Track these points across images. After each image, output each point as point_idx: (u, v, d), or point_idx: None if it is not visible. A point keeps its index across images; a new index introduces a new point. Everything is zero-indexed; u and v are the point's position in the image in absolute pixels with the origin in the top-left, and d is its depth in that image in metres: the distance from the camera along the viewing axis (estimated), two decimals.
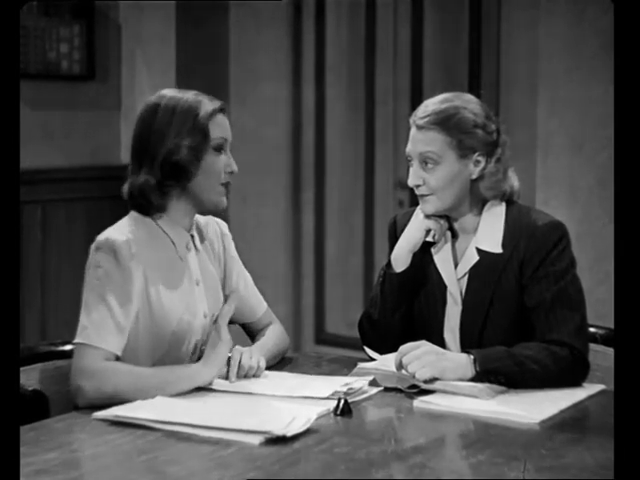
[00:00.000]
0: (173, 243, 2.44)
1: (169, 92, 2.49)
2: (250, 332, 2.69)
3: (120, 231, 2.39)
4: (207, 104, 2.45)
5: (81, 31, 5.03)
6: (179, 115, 2.42)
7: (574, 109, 4.51)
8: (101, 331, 2.29)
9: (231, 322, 2.65)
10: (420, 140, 2.49)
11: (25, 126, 4.46)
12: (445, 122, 2.47)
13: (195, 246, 2.50)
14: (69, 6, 4.98)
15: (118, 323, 2.31)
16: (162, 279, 2.40)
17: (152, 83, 5.21)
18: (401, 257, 2.56)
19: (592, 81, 4.50)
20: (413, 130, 2.51)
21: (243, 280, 2.65)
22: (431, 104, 2.51)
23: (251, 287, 2.68)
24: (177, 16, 5.27)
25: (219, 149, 2.44)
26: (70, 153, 5.07)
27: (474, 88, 4.63)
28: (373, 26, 5.21)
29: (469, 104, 2.51)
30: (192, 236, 2.49)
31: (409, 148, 2.52)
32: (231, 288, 2.60)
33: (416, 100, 4.96)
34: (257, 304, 2.69)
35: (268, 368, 2.50)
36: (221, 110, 2.47)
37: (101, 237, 2.38)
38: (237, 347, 2.43)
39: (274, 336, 2.65)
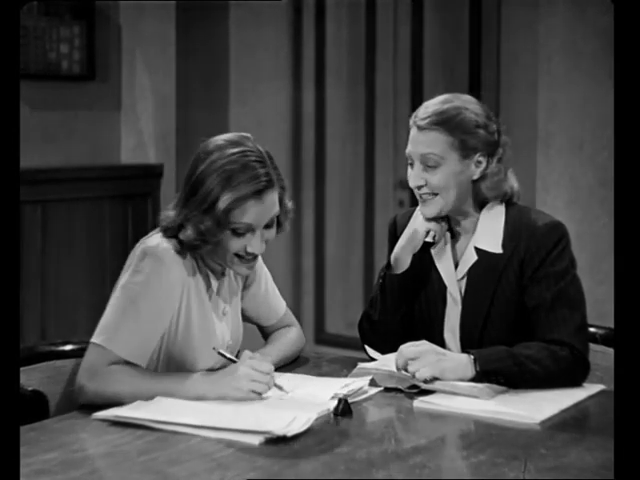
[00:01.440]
0: (208, 275, 2.40)
1: (219, 150, 2.30)
2: (266, 334, 2.66)
3: (167, 243, 2.32)
4: (238, 188, 2.26)
5: (81, 31, 5.03)
6: (200, 195, 2.28)
7: (574, 109, 4.51)
8: (121, 337, 2.26)
9: (248, 321, 2.64)
10: (421, 141, 2.48)
11: (25, 126, 4.46)
12: (447, 122, 2.46)
13: (230, 281, 2.46)
14: (69, 6, 4.98)
15: (143, 333, 2.28)
16: (194, 307, 2.36)
17: (152, 83, 5.21)
18: (401, 258, 2.56)
19: (592, 81, 4.50)
20: (414, 131, 2.50)
21: (265, 285, 2.61)
22: (431, 105, 2.50)
23: (272, 290, 2.64)
24: (177, 16, 5.27)
25: (238, 234, 2.30)
26: (70, 153, 5.08)
27: (474, 88, 4.63)
28: (373, 26, 5.22)
29: (470, 104, 2.51)
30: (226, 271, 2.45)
31: (410, 149, 2.51)
32: (249, 296, 2.58)
33: (416, 100, 4.96)
34: (277, 307, 2.65)
35: (276, 368, 2.48)
36: (257, 193, 2.26)
37: (152, 242, 2.32)
38: (246, 351, 2.40)
39: (286, 341, 2.62)
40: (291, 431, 2.00)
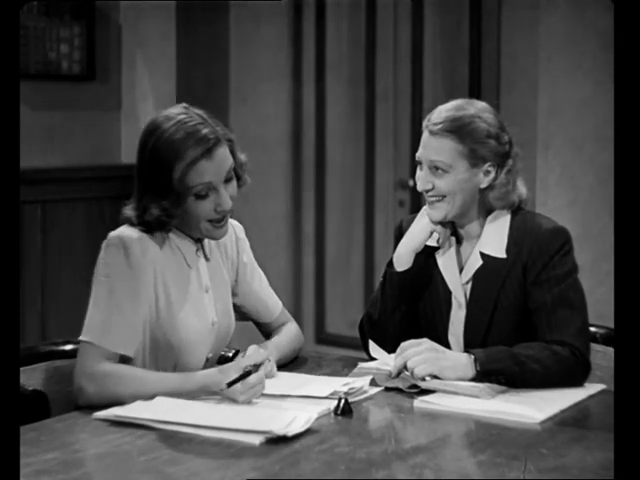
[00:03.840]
0: (181, 251, 2.42)
1: (160, 126, 2.34)
2: (265, 332, 2.67)
3: (130, 230, 2.36)
4: (188, 153, 2.30)
5: (81, 31, 5.03)
6: (155, 174, 2.33)
7: (574, 109, 4.51)
8: (108, 330, 2.27)
9: (246, 319, 2.65)
10: (432, 147, 2.48)
11: (25, 126, 4.46)
12: (459, 130, 2.46)
13: (205, 254, 2.48)
14: (69, 6, 4.98)
15: (127, 321, 2.29)
16: (170, 284, 2.37)
17: (152, 83, 5.21)
18: (403, 256, 2.56)
19: (592, 81, 4.50)
20: (426, 135, 2.51)
21: (258, 281, 2.63)
22: (445, 110, 2.50)
23: (266, 287, 2.65)
24: (177, 16, 5.27)
25: (201, 196, 2.33)
26: (70, 153, 5.08)
27: (474, 88, 4.63)
28: (373, 26, 5.22)
29: (484, 113, 2.50)
30: (201, 244, 2.47)
31: (420, 152, 2.52)
32: (244, 291, 2.59)
33: (416, 100, 4.96)
34: (273, 304, 2.66)
35: (278, 367, 2.48)
36: (207, 152, 2.31)
37: (113, 233, 2.35)
38: (252, 346, 2.40)
39: (288, 336, 2.63)
40: (291, 431, 2.00)
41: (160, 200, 2.33)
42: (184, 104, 2.43)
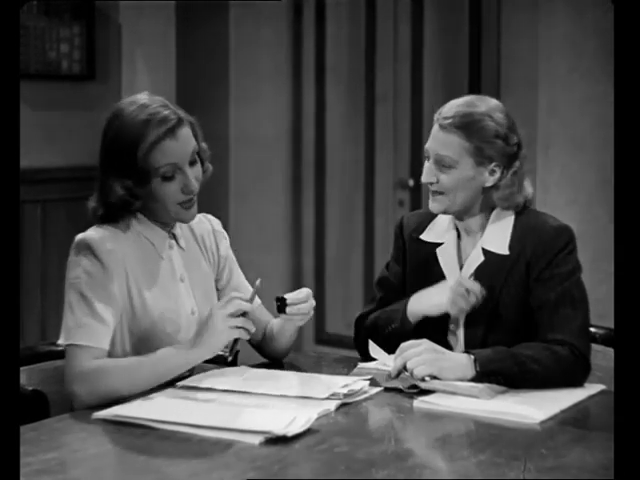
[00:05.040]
0: (151, 242, 2.41)
1: (122, 112, 2.39)
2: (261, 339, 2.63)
3: (95, 230, 2.37)
4: (151, 132, 2.33)
5: (81, 31, 5.03)
6: (118, 154, 2.37)
7: (574, 109, 4.51)
8: (86, 330, 2.28)
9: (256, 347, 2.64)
10: (440, 141, 2.49)
11: (25, 126, 4.45)
12: (467, 127, 2.46)
13: (178, 244, 2.47)
14: (69, 6, 4.98)
15: (102, 320, 2.29)
16: (142, 277, 2.37)
17: (152, 83, 5.21)
18: (412, 317, 2.53)
19: (592, 81, 4.50)
20: (435, 128, 2.51)
21: (237, 274, 2.61)
22: (456, 105, 2.50)
23: (243, 280, 2.63)
24: (177, 16, 5.27)
25: (167, 177, 2.35)
26: (70, 153, 5.08)
27: (474, 88, 4.63)
28: (373, 26, 5.22)
29: (495, 112, 2.50)
30: (174, 235, 2.46)
31: (429, 145, 2.52)
32: (223, 284, 2.58)
33: (416, 100, 4.96)
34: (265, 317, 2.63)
35: (274, 367, 2.48)
36: (170, 131, 2.34)
37: (79, 236, 2.36)
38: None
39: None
40: (291, 431, 2.00)
41: (124, 179, 2.35)
42: (147, 92, 2.46)
